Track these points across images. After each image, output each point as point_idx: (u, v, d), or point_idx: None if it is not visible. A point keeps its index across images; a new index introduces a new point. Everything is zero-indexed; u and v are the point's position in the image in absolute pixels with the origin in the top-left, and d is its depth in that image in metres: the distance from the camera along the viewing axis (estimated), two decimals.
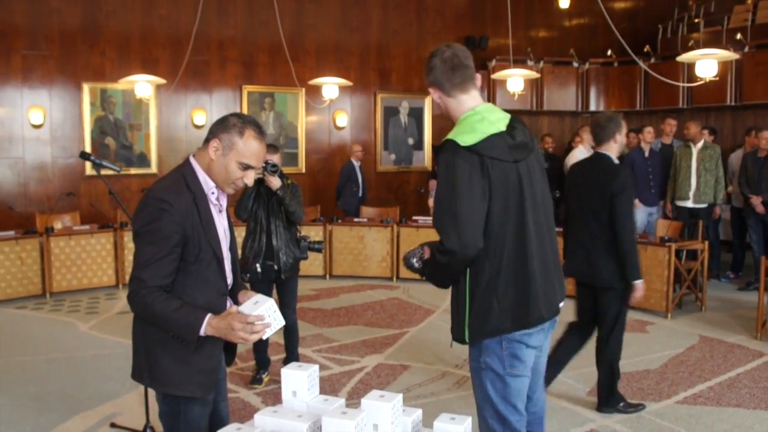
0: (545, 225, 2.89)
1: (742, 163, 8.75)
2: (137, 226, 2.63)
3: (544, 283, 2.83)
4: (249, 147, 2.67)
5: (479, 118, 2.86)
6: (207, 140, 2.73)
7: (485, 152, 2.73)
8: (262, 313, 2.57)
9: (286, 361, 5.70)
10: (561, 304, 2.97)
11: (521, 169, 2.81)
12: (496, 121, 2.89)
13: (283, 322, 2.66)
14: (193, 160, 2.76)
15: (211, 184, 2.73)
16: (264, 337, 2.63)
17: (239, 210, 5.39)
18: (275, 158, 5.42)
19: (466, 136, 2.78)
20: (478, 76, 3.01)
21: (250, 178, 2.73)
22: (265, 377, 5.64)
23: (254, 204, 5.38)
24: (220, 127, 2.71)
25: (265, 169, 5.20)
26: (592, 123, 4.89)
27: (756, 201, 8.45)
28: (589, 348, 6.62)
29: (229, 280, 2.86)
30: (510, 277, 2.77)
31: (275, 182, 5.23)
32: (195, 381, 2.72)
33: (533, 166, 2.89)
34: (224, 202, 2.85)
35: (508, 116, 2.98)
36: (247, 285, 3.05)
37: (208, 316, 2.57)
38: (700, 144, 8.72)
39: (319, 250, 5.52)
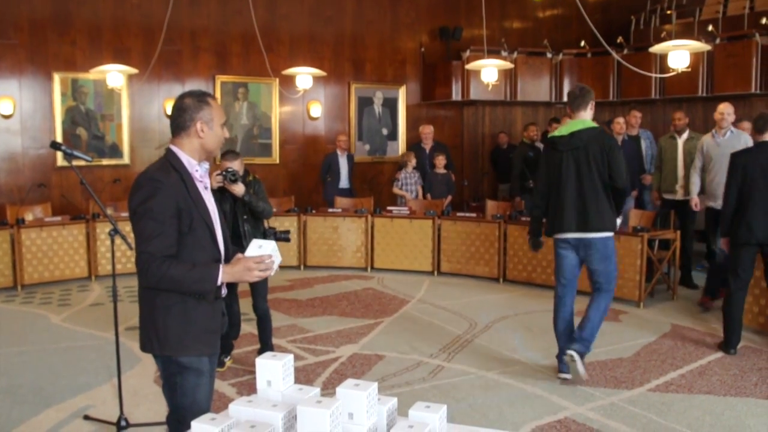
0: (577, 187, 5.25)
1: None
2: (135, 205, 2.89)
3: (568, 216, 5.26)
4: (218, 110, 3.07)
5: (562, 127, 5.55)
6: (184, 128, 3.02)
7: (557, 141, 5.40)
8: (270, 253, 2.95)
9: (260, 352, 5.70)
10: (580, 234, 5.28)
11: (564, 156, 5.30)
12: (564, 129, 5.41)
13: (281, 259, 3.04)
14: (173, 147, 3.04)
15: (194, 162, 3.03)
16: (272, 273, 3.01)
17: None
18: (235, 164, 5.40)
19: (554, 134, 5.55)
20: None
21: (226, 132, 3.15)
22: (227, 360, 5.74)
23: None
24: (191, 112, 3.01)
25: (225, 178, 5.20)
26: (756, 118, 6.11)
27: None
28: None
29: (223, 248, 3.12)
30: (552, 208, 5.38)
31: (239, 189, 5.26)
32: (200, 340, 3.00)
33: (575, 155, 5.26)
34: (207, 181, 3.13)
35: (577, 128, 5.29)
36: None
37: (222, 264, 2.95)
38: (685, 135, 8.70)
39: (286, 240, 5.52)
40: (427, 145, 10.87)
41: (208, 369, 3.06)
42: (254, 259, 2.91)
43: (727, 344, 6.11)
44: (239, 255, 3.05)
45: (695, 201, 8.22)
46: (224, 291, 3.16)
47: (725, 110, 7.83)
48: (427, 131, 10.94)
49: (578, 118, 5.34)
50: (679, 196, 8.62)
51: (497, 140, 12.33)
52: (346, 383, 2.25)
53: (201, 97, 3.03)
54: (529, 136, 10.41)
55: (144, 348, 3.05)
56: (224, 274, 2.89)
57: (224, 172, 5.24)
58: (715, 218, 7.70)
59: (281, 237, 5.48)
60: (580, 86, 5.42)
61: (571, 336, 5.44)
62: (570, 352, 5.25)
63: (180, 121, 3.01)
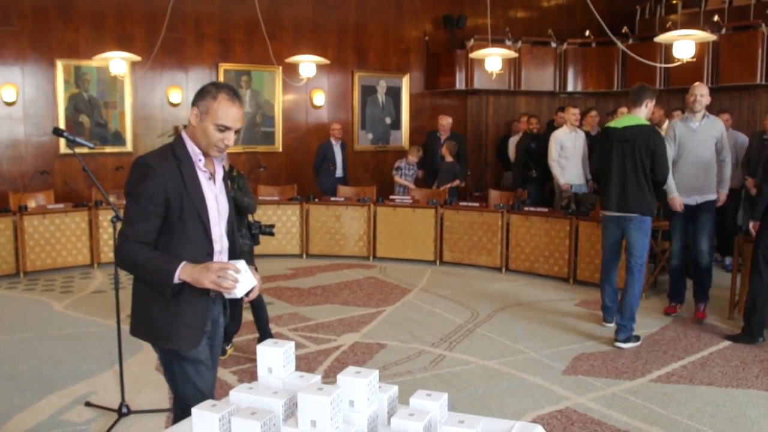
0: (621, 174, 6.07)
1: (750, 144, 8.85)
2: (126, 188, 2.86)
3: (612, 197, 6.11)
4: (222, 109, 2.84)
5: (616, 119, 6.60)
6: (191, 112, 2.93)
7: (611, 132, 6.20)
8: (239, 267, 2.76)
9: (259, 340, 5.71)
10: (620, 213, 6.12)
11: (614, 146, 6.11)
12: (619, 122, 6.26)
13: (254, 283, 2.86)
14: (183, 133, 2.97)
15: (198, 151, 2.92)
16: (237, 295, 2.81)
17: None
18: None
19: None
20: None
21: (229, 139, 2.89)
22: (229, 348, 5.77)
23: None
24: (197, 96, 2.89)
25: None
26: None
27: (749, 184, 8.52)
28: (567, 327, 6.68)
29: (219, 244, 3.02)
30: (602, 188, 6.33)
31: None
32: (182, 335, 2.91)
33: (623, 147, 6.05)
34: (219, 172, 3.05)
35: (629, 123, 6.12)
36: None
37: (184, 262, 2.75)
38: (664, 126, 8.77)
39: (270, 234, 5.56)
40: (443, 135, 10.83)
41: (206, 356, 3.03)
42: (219, 264, 2.77)
43: (756, 333, 6.09)
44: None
45: (677, 201, 6.69)
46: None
47: (699, 91, 6.59)
48: (445, 122, 10.87)
49: (633, 114, 6.20)
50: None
51: (511, 128, 12.16)
52: (347, 371, 2.24)
53: (215, 90, 2.88)
54: (528, 128, 10.33)
55: (132, 332, 3.03)
56: (182, 271, 2.73)
57: None
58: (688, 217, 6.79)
59: (266, 231, 5.49)
60: (639, 85, 6.26)
61: (615, 300, 6.43)
62: (610, 324, 6.49)
63: (192, 100, 2.93)
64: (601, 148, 6.31)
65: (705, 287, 6.81)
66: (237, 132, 2.95)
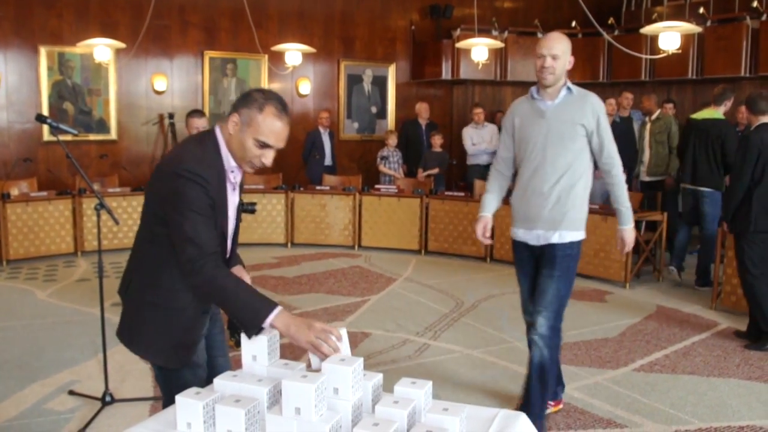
0: (694, 155, 7.57)
1: None
2: (172, 202, 2.51)
3: (687, 172, 7.73)
4: (267, 124, 2.56)
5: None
6: (229, 113, 2.63)
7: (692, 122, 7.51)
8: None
9: (233, 327, 5.58)
10: (692, 186, 7.72)
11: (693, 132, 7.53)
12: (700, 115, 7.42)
13: (347, 352, 2.42)
14: (218, 133, 2.66)
15: (232, 163, 2.65)
16: (328, 361, 2.28)
17: None
18: (202, 123, 5.39)
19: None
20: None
21: (268, 157, 2.62)
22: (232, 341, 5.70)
23: None
24: (241, 102, 2.60)
25: None
26: (753, 99, 5.89)
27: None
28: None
29: (227, 253, 2.82)
30: (683, 163, 7.94)
31: None
32: (169, 353, 2.71)
33: (698, 134, 7.44)
34: (239, 178, 2.76)
35: (707, 116, 7.51)
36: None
37: (281, 308, 2.46)
38: (654, 116, 8.84)
39: (252, 211, 5.42)
40: (423, 122, 11.02)
41: (203, 359, 2.85)
42: (323, 326, 2.40)
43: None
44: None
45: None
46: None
47: (550, 46, 3.94)
48: (423, 109, 11.22)
49: (713, 109, 7.56)
50: (645, 177, 8.93)
51: (495, 119, 12.17)
52: (331, 358, 2.25)
53: (263, 100, 2.58)
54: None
55: (117, 334, 2.82)
56: (277, 319, 2.42)
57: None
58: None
59: (248, 209, 5.39)
60: (722, 87, 7.62)
61: (681, 259, 7.95)
62: (671, 267, 7.98)
63: (233, 104, 2.63)
64: (686, 133, 7.93)
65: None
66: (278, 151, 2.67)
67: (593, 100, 4.01)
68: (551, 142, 3.96)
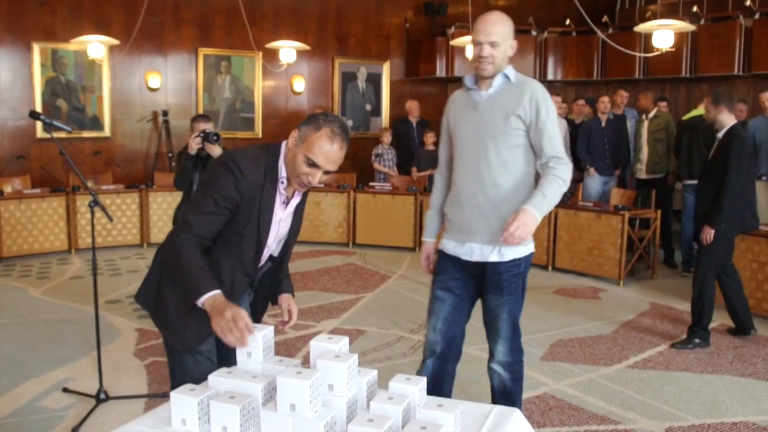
0: (689, 152, 7.95)
1: None
2: (207, 177, 2.70)
3: (684, 165, 8.21)
4: (319, 144, 2.57)
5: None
6: (295, 129, 2.70)
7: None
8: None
9: None
10: (689, 181, 8.03)
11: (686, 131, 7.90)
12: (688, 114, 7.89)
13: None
14: (283, 146, 2.72)
15: (284, 174, 2.70)
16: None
17: (179, 181, 5.49)
18: (209, 127, 5.43)
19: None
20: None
21: (315, 177, 2.63)
22: None
23: (195, 173, 5.40)
24: (305, 120, 2.66)
25: (207, 138, 5.22)
26: (719, 96, 5.66)
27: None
28: (545, 314, 6.73)
29: (261, 261, 2.86)
30: (680, 159, 8.31)
31: (216, 150, 5.26)
32: (184, 334, 2.74)
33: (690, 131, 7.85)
34: (295, 199, 2.82)
35: (695, 113, 7.91)
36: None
37: (217, 292, 2.47)
38: (651, 114, 8.83)
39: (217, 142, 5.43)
40: (414, 120, 11.00)
41: (208, 348, 2.81)
42: (237, 314, 2.37)
43: (746, 326, 6.07)
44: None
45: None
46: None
47: (487, 25, 3.53)
48: (414, 107, 11.18)
49: (700, 107, 7.94)
50: (644, 174, 8.88)
51: None
52: (326, 354, 2.24)
53: (322, 121, 2.61)
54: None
55: (137, 298, 2.88)
56: (208, 300, 2.45)
57: (204, 133, 5.25)
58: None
59: (212, 140, 5.31)
60: (701, 88, 8.20)
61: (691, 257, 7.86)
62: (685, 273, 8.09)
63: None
64: (678, 134, 8.44)
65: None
66: (328, 173, 2.67)
67: (533, 87, 3.36)
68: (484, 138, 3.33)
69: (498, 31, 3.35)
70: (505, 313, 3.44)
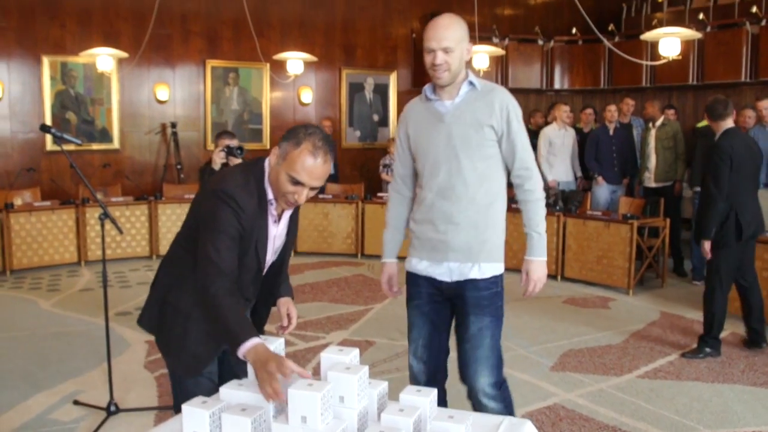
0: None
1: None
2: (205, 215, 2.54)
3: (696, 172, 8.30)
4: (300, 160, 2.45)
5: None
6: (276, 146, 2.60)
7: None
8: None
9: None
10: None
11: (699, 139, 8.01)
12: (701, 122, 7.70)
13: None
14: (266, 164, 2.62)
15: (270, 195, 2.61)
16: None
17: None
18: (234, 143, 5.54)
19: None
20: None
21: (302, 195, 2.52)
22: None
23: None
24: (285, 135, 2.54)
25: (231, 152, 5.31)
26: (713, 105, 5.71)
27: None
28: (555, 324, 6.70)
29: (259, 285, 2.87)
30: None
31: None
32: (182, 359, 2.75)
33: (702, 139, 7.90)
34: (286, 214, 2.76)
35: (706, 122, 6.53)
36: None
37: (258, 341, 2.32)
38: (658, 123, 8.80)
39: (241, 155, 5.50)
40: None
41: (210, 369, 2.81)
42: (272, 372, 2.19)
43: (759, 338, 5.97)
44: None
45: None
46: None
47: (445, 24, 3.23)
48: None
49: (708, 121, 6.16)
50: (652, 183, 8.85)
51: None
52: (336, 367, 2.24)
53: (303, 136, 2.48)
54: (532, 124, 10.47)
55: (140, 322, 2.88)
56: (250, 352, 2.28)
57: (228, 148, 5.34)
58: None
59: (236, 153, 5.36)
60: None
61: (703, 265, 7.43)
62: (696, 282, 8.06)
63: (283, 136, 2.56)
64: (690, 141, 8.59)
65: None
66: (315, 189, 2.56)
67: (501, 95, 3.22)
68: (457, 152, 3.13)
69: (450, 35, 3.08)
70: (488, 338, 3.30)
